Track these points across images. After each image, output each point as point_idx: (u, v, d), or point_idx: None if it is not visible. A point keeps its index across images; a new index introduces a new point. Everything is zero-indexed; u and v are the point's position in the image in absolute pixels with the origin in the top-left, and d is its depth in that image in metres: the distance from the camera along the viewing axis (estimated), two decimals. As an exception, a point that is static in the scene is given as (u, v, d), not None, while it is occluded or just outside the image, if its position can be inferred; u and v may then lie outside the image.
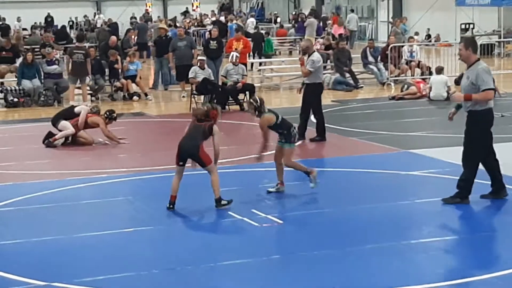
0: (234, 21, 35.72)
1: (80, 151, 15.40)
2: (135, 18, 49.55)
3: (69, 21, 51.88)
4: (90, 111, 16.09)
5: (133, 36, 32.00)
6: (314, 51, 15.92)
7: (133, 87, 22.90)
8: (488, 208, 10.47)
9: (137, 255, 8.88)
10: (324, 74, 25.11)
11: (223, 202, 10.61)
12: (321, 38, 30.68)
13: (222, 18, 39.83)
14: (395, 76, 25.13)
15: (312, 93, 15.55)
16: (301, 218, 10.16)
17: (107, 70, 22.95)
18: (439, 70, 21.69)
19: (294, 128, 11.36)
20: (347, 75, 24.62)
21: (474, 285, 7.58)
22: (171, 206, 10.68)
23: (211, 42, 23.03)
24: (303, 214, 10.32)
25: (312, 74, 15.35)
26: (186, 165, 10.84)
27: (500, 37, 33.70)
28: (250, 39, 27.63)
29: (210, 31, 24.74)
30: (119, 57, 23.12)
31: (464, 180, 10.44)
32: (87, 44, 25.56)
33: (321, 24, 37.40)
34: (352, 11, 43.90)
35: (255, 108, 11.37)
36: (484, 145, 10.47)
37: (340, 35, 32.05)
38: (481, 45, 29.58)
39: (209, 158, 10.79)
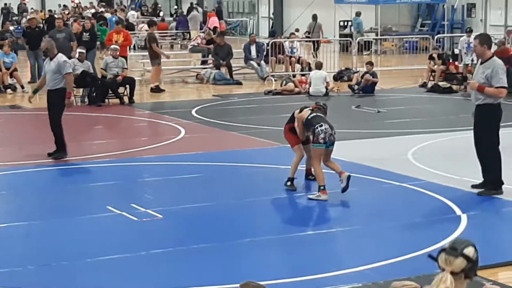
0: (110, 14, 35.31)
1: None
2: (6, 8, 48.28)
3: None
4: None
5: (11, 27, 31.11)
6: (58, 53, 13.48)
7: (9, 80, 22.30)
8: (365, 201, 10.69)
9: (11, 251, 8.65)
10: (205, 68, 25.28)
11: (288, 183, 10.99)
12: (202, 32, 30.68)
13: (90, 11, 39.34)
14: (278, 72, 25.38)
15: (55, 100, 13.42)
16: (181, 212, 10.13)
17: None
18: (319, 66, 21.98)
19: (320, 126, 10.58)
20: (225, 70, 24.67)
21: (349, 276, 7.71)
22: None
23: (84, 33, 22.72)
24: (183, 208, 10.29)
25: (58, 78, 13.18)
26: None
27: (377, 35, 34.48)
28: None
29: (83, 24, 24.40)
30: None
31: (494, 173, 10.72)
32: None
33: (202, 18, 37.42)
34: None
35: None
36: (496, 135, 10.70)
37: (214, 28, 32.14)
38: (358, 42, 30.19)
39: (292, 141, 11.23)
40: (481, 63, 10.77)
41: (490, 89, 10.48)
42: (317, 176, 10.66)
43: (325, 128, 10.56)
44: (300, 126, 10.98)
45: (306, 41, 33.52)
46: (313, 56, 30.40)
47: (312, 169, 11.03)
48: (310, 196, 10.68)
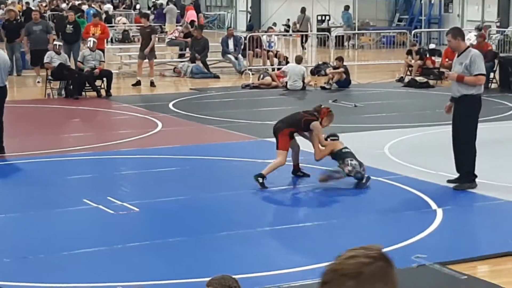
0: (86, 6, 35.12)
1: None
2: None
3: None
4: None
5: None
6: None
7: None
8: (341, 195, 10.74)
9: (-13, 244, 8.62)
10: (182, 62, 25.24)
11: (260, 180, 10.79)
12: (180, 26, 30.61)
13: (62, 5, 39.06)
14: (255, 65, 25.38)
15: None
16: (157, 206, 10.12)
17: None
18: (299, 60, 21.94)
19: (351, 160, 11.01)
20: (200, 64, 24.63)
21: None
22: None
23: (68, 26, 22.58)
24: (159, 202, 10.28)
25: None
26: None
27: (354, 29, 34.58)
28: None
29: (67, 16, 24.23)
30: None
31: (468, 165, 10.79)
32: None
33: (179, 11, 37.31)
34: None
35: None
36: (474, 128, 10.78)
37: (192, 21, 32.10)
38: (336, 36, 30.26)
39: (284, 145, 11.03)
40: (458, 56, 10.88)
41: (470, 77, 10.60)
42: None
43: (355, 164, 10.93)
44: (326, 151, 11.13)
45: (284, 35, 33.55)
46: (303, 48, 30.85)
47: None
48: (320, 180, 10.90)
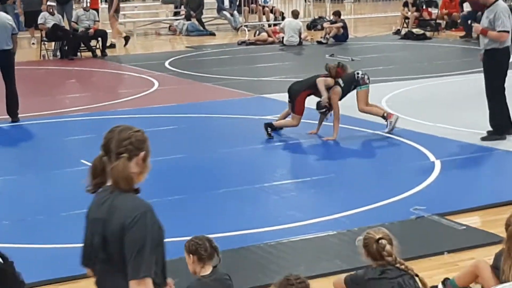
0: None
1: None
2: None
3: None
4: None
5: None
6: None
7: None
8: (339, 150, 10.74)
9: (-15, 207, 8.62)
10: (177, 20, 25.09)
11: (270, 130, 11.03)
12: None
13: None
14: (251, 22, 25.22)
15: None
16: (155, 165, 9.98)
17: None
18: (296, 15, 21.80)
19: (358, 73, 11.35)
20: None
21: (324, 224, 7.75)
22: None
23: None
24: (157, 161, 10.13)
25: None
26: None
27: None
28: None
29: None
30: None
31: (493, 119, 10.75)
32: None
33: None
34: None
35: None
36: (500, 80, 10.73)
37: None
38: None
39: (300, 109, 11.11)
40: (486, 8, 10.81)
41: (493, 33, 10.57)
42: (374, 112, 11.24)
43: (362, 71, 11.39)
44: (335, 101, 11.12)
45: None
46: (305, 1, 30.51)
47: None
48: (386, 130, 11.03)
